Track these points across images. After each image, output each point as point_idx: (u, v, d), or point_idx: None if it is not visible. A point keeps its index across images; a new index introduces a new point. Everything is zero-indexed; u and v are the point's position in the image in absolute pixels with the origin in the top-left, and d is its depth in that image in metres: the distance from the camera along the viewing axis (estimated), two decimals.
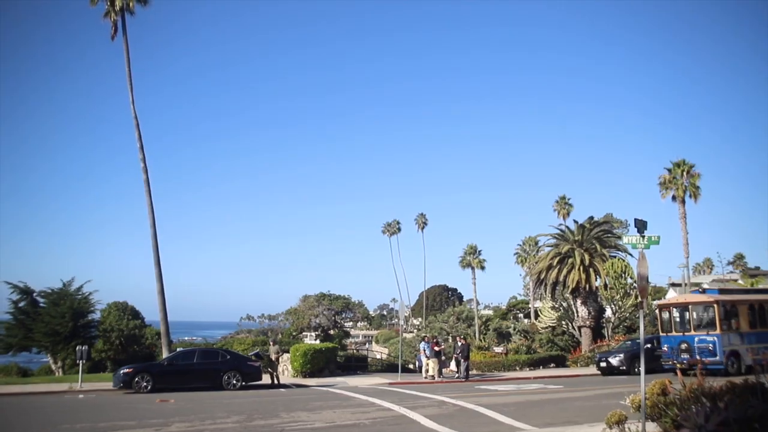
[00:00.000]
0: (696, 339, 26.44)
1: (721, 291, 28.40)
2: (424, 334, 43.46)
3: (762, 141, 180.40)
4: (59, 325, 37.96)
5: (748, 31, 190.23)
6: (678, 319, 27.88)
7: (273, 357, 28.11)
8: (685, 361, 26.17)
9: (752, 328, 27.10)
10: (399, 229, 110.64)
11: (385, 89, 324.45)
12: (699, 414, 8.11)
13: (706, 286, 32.43)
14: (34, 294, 40.34)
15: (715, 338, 25.92)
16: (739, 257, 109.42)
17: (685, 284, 52.78)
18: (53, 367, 39.60)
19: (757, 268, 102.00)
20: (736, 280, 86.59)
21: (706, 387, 9.31)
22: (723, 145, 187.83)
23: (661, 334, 28.75)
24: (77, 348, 27.15)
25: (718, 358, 25.61)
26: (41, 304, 40.07)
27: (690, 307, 27.36)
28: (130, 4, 35.40)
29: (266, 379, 27.03)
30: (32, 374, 39.09)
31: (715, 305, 26.24)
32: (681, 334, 27.32)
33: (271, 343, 29.93)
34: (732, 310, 26.91)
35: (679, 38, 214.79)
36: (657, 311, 29.61)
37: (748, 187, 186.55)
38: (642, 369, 12.25)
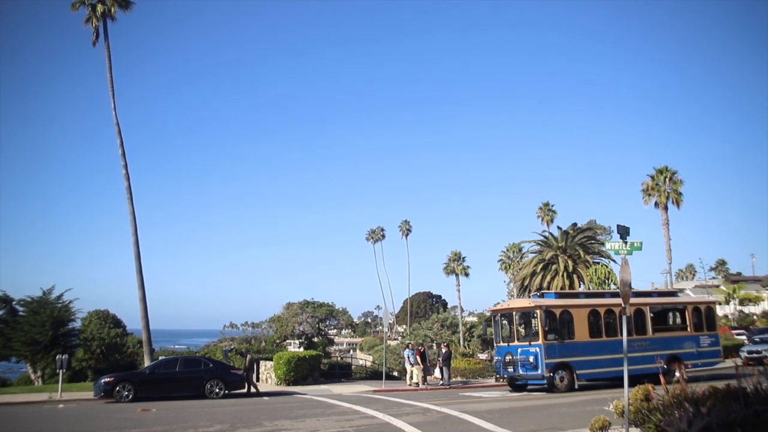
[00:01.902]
0: (519, 350, 23.81)
1: (559, 295, 26.03)
2: (408, 341, 43.38)
3: (744, 148, 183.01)
4: (39, 333, 37.45)
5: (731, 40, 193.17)
6: (505, 328, 25.62)
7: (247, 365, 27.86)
8: (506, 375, 24.43)
9: (594, 337, 24.33)
10: (383, 236, 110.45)
11: (368, 96, 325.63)
12: (682, 419, 8.13)
13: (544, 291, 30.25)
14: (14, 302, 39.85)
15: (537, 349, 23.20)
16: (721, 263, 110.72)
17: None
18: (32, 376, 39.02)
19: (739, 273, 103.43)
20: (718, 286, 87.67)
21: (689, 392, 9.34)
22: (706, 152, 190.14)
23: (495, 344, 26.53)
24: (57, 357, 26.78)
25: (539, 372, 23.07)
26: (20, 313, 39.55)
27: (514, 314, 24.84)
28: (112, 10, 35.04)
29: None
30: (11, 384, 38.50)
31: (538, 311, 23.43)
32: (506, 344, 24.92)
33: (243, 355, 29.35)
34: (564, 318, 24.16)
35: (662, 47, 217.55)
36: (491, 318, 27.42)
37: (731, 193, 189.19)
38: (625, 374, 12.28)
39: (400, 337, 79.95)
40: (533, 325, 24.21)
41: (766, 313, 71.96)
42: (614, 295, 28.74)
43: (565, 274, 43.20)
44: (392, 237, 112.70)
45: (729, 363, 28.35)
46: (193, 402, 22.97)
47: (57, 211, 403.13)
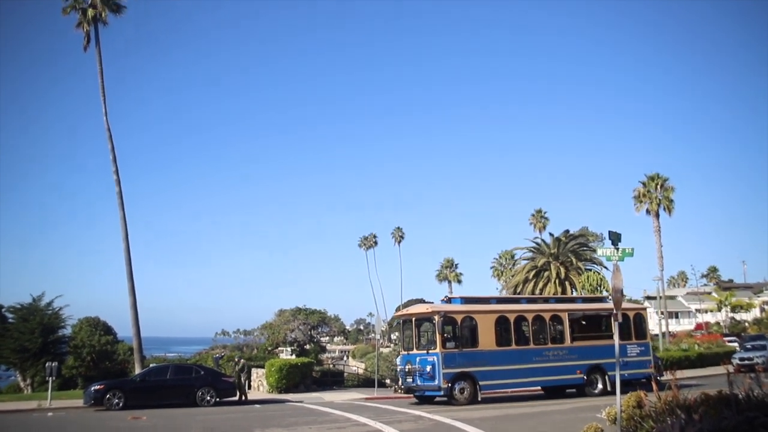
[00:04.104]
0: (417, 359, 22.42)
1: (465, 300, 24.04)
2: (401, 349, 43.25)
3: (735, 154, 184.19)
4: (28, 341, 37.16)
5: (722, 47, 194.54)
6: (407, 335, 24.22)
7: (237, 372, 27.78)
8: (404, 386, 23.30)
9: (501, 346, 22.87)
10: (376, 243, 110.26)
11: (359, 103, 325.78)
12: (674, 426, 8.13)
13: (450, 295, 28.28)
14: (3, 309, 39.63)
15: (435, 358, 21.71)
16: (713, 270, 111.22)
17: (660, 297, 53.32)
18: (22, 384, 38.69)
19: (731, 280, 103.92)
20: (710, 293, 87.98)
21: (681, 399, 9.33)
22: (697, 158, 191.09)
23: (402, 352, 24.98)
24: (47, 364, 26.56)
25: (436, 382, 21.58)
26: (10, 320, 39.24)
27: (413, 320, 23.52)
28: (103, 14, 34.87)
29: None
30: (0, 392, 38.16)
31: (436, 317, 21.97)
32: (407, 353, 23.60)
33: (236, 361, 29.35)
34: (466, 324, 22.82)
35: (653, 52, 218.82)
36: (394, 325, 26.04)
37: (722, 200, 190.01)
38: (617, 381, 12.27)
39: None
40: (432, 332, 22.69)
41: (758, 320, 72.28)
42: (530, 300, 28.12)
43: (557, 281, 43.28)
44: (385, 244, 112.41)
45: (721, 370, 28.33)
46: (184, 410, 22.79)
47: (47, 217, 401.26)
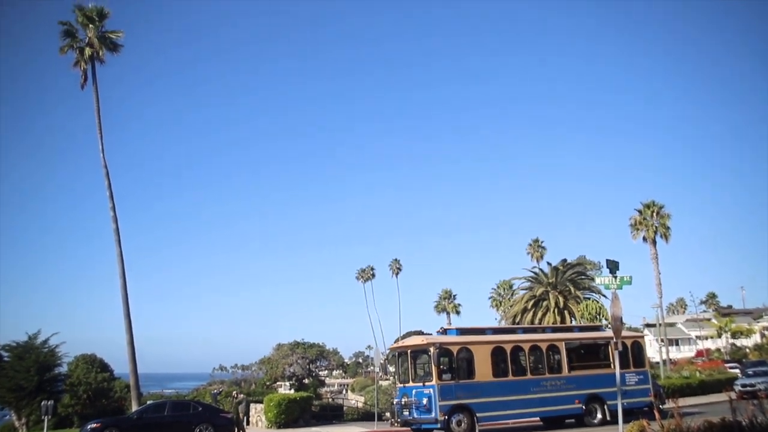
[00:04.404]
0: (413, 392, 22.21)
1: (461, 331, 24.19)
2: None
3: (732, 180, 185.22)
4: (24, 379, 36.73)
5: (717, 72, 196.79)
6: (403, 368, 23.90)
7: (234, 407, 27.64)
8: (401, 419, 22.80)
9: (498, 377, 22.70)
10: (373, 275, 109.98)
11: (357, 132, 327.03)
12: None
13: (446, 326, 28.03)
14: None
15: (431, 390, 21.44)
16: (712, 296, 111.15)
17: (660, 324, 53.14)
18: (17, 423, 38.11)
19: (730, 306, 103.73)
20: (709, 320, 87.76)
21: (684, 427, 9.26)
22: (693, 185, 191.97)
23: (397, 385, 24.74)
24: (42, 403, 26.36)
25: (432, 415, 21.27)
26: (5, 358, 38.82)
27: (409, 352, 23.38)
28: (100, 53, 35.23)
29: None
30: None
31: (431, 349, 21.67)
32: (403, 385, 23.37)
33: (234, 395, 29.29)
34: (463, 356, 22.57)
35: (648, 78, 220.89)
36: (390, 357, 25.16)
37: (719, 226, 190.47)
38: (620, 410, 12.17)
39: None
40: (428, 364, 22.41)
41: (759, 346, 72.00)
42: (527, 330, 27.83)
43: (556, 310, 43.16)
44: (382, 276, 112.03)
45: (723, 397, 28.12)
46: None
47: (43, 255, 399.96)
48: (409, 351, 23.38)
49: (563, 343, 24.43)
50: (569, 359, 24.32)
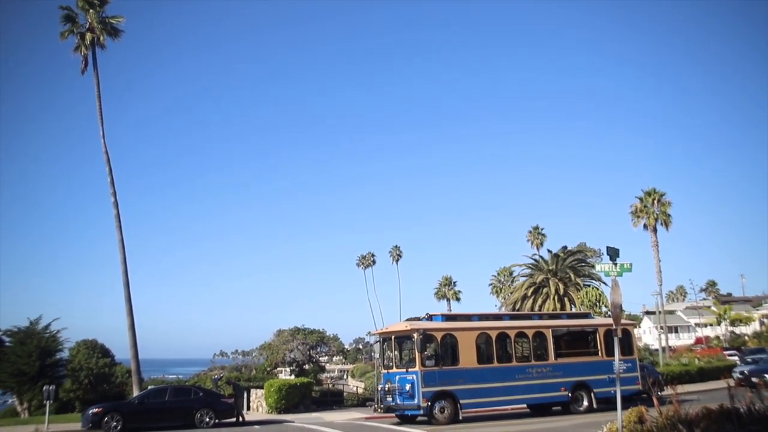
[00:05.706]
0: (397, 378, 22.11)
1: (447, 317, 24.31)
2: None
3: (732, 168, 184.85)
4: (26, 364, 36.92)
5: (721, 61, 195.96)
6: (389, 354, 23.92)
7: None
8: (384, 405, 22.72)
9: (483, 364, 22.66)
10: (374, 262, 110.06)
11: (358, 121, 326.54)
12: None
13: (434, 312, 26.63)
14: (0, 333, 39.30)
15: (414, 377, 21.35)
16: (712, 284, 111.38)
17: (659, 311, 53.26)
18: (19, 408, 38.36)
19: (729, 294, 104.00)
20: (709, 307, 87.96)
21: (682, 414, 9.30)
22: (694, 173, 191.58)
23: (381, 371, 24.77)
24: (44, 388, 26.37)
25: (415, 401, 21.17)
26: (7, 343, 39.00)
27: (393, 338, 23.32)
28: (101, 38, 35.05)
29: None
30: None
31: (415, 335, 21.51)
32: (387, 371, 23.43)
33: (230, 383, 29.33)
34: (447, 342, 22.53)
35: (649, 67, 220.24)
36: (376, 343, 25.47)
37: (720, 214, 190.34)
38: (618, 397, 12.22)
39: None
40: (412, 350, 22.24)
41: (758, 334, 72.23)
42: (514, 317, 27.38)
43: (556, 297, 43.26)
44: (383, 262, 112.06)
45: (722, 384, 28.21)
46: None
47: (44, 241, 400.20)
48: (393, 337, 23.25)
49: (550, 330, 24.45)
50: (556, 347, 24.33)
